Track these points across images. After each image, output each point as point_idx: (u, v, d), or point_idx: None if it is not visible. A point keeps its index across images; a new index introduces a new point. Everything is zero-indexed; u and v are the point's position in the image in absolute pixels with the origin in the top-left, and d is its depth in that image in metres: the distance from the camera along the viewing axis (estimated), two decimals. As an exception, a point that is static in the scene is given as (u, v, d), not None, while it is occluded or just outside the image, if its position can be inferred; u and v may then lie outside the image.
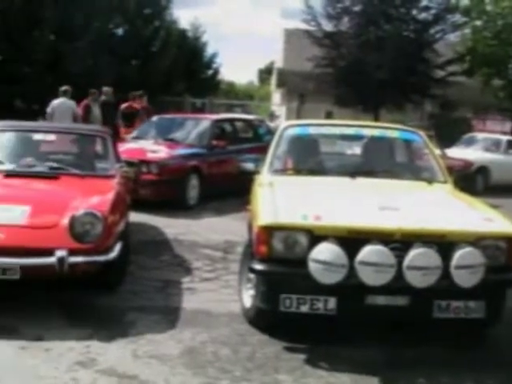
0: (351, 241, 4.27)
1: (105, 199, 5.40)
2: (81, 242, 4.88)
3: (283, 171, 5.96)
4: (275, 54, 40.82)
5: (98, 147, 6.94)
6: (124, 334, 4.61)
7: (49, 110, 12.84)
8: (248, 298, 4.98)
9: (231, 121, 13.18)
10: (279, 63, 37.44)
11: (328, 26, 25.40)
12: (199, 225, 8.97)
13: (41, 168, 6.24)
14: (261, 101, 41.54)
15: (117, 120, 13.47)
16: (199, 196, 10.39)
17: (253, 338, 4.68)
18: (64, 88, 12.96)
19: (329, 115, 26.58)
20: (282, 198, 4.89)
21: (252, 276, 4.80)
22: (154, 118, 12.73)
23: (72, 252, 4.76)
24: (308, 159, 6.38)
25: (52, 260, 4.70)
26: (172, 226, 8.51)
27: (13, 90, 25.42)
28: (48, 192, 5.78)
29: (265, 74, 57.77)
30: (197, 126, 11.59)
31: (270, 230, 4.39)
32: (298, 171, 5.95)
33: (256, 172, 6.21)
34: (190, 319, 5.01)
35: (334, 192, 5.26)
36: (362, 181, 5.54)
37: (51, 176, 6.05)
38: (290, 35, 33.40)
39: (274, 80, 40.47)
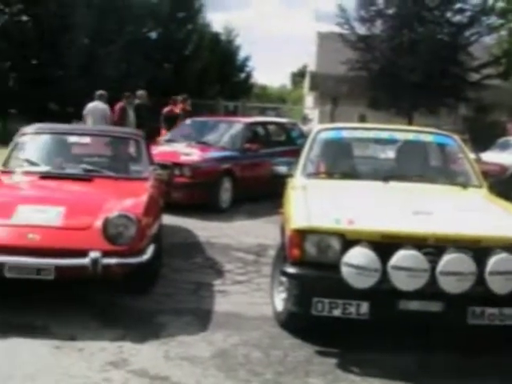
0: (384, 245, 4.23)
1: (138, 201, 5.43)
2: (114, 243, 4.91)
3: (316, 175, 5.94)
4: (308, 58, 40.76)
5: (132, 150, 6.97)
6: (156, 336, 4.64)
7: (84, 112, 13.04)
8: (280, 301, 4.97)
9: (264, 124, 13.15)
10: (312, 66, 37.37)
11: (361, 29, 25.34)
12: (232, 228, 8.98)
13: (75, 170, 6.31)
14: (293, 104, 41.50)
15: (157, 123, 13.62)
16: (232, 199, 10.39)
17: (284, 341, 4.66)
18: (99, 92, 13.16)
19: (362, 119, 26.37)
20: (314, 202, 4.88)
21: (284, 279, 4.78)
22: (188, 121, 12.79)
23: (105, 253, 4.79)
24: (341, 163, 6.36)
25: (86, 261, 4.74)
26: (204, 229, 8.54)
27: (47, 93, 25.76)
28: (82, 194, 5.86)
29: (297, 77, 57.70)
30: (230, 129, 11.59)
31: (302, 234, 4.37)
32: (331, 175, 5.93)
33: (289, 175, 6.19)
34: (221, 322, 5.01)
35: (367, 196, 5.21)
36: (395, 185, 5.50)
37: (85, 178, 6.11)
38: (324, 38, 33.30)
39: (306, 83, 40.39)
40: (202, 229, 8.53)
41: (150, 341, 4.53)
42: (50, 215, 5.07)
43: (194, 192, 9.57)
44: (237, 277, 6.37)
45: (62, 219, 5.05)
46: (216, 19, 43.49)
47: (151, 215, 5.44)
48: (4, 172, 6.27)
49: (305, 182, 5.61)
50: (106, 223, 4.95)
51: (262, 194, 10.71)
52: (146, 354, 4.32)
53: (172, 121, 13.68)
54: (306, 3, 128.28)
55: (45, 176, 6.09)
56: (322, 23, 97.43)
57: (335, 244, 4.34)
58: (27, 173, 6.20)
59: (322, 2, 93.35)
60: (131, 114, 13.09)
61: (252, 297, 5.73)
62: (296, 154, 10.03)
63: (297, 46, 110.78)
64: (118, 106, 13.19)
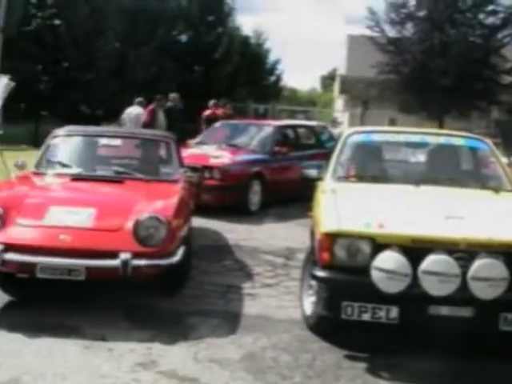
0: (415, 250, 4.20)
1: (169, 204, 5.43)
2: (144, 245, 4.94)
3: (346, 178, 5.89)
4: (338, 61, 40.67)
5: (163, 152, 6.99)
6: (185, 338, 4.66)
7: (123, 116, 13.36)
8: (309, 304, 4.95)
9: (294, 127, 13.12)
10: (342, 70, 37.30)
11: (392, 32, 25.23)
12: (261, 230, 8.98)
13: (106, 172, 6.35)
14: (323, 107, 41.45)
15: (186, 125, 13.72)
16: (261, 202, 10.39)
17: (313, 344, 4.65)
18: (138, 99, 13.69)
19: (392, 122, 26.27)
20: (344, 205, 4.84)
21: (313, 283, 4.76)
22: (218, 124, 12.84)
23: (136, 255, 4.82)
24: (371, 166, 6.30)
25: (116, 262, 4.77)
26: (234, 232, 8.56)
27: (78, 96, 26.05)
28: (113, 195, 5.87)
29: (327, 80, 57.61)
30: (260, 132, 11.60)
31: (332, 237, 4.35)
32: (361, 178, 5.87)
33: (319, 179, 6.14)
34: (250, 324, 5.01)
35: (398, 200, 5.17)
36: (426, 189, 5.43)
37: (116, 180, 6.14)
38: (354, 41, 33.21)
39: (336, 86, 40.33)
40: (231, 231, 8.56)
41: (179, 342, 4.55)
42: (82, 217, 5.12)
43: (224, 195, 9.60)
44: (266, 280, 6.36)
45: (93, 221, 5.09)
46: (246, 22, 43.59)
47: (181, 217, 5.44)
48: (36, 173, 6.32)
49: (334, 186, 5.56)
50: (137, 225, 4.98)
51: (291, 197, 10.71)
52: (175, 355, 4.34)
53: (213, 124, 13.80)
54: (337, 6, 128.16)
55: (76, 178, 6.13)
56: (353, 26, 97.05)
57: (365, 248, 4.31)
58: (59, 174, 6.23)
59: (352, 5, 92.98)
60: (161, 117, 13.18)
61: (281, 300, 5.71)
62: (325, 157, 10.02)
63: (327, 49, 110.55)
64: (148, 108, 13.31)
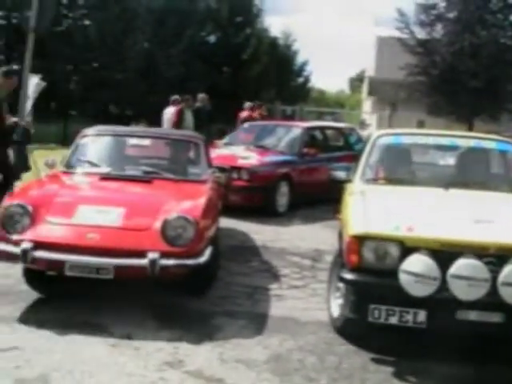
0: (444, 253, 4.16)
1: (197, 204, 5.43)
2: (173, 245, 4.93)
3: (375, 180, 5.83)
4: (367, 62, 40.50)
5: (191, 152, 7.01)
6: (212, 338, 4.67)
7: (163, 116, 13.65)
8: (336, 307, 4.93)
9: (322, 129, 13.09)
10: (371, 71, 37.15)
11: (421, 34, 25.04)
12: (288, 232, 8.97)
13: (135, 172, 6.35)
14: (351, 109, 41.29)
15: (212, 125, 13.80)
16: (288, 203, 10.38)
17: (340, 347, 4.63)
18: (173, 97, 13.91)
19: (420, 124, 26.11)
20: (373, 208, 4.81)
21: (341, 285, 4.74)
22: (246, 125, 12.85)
23: (164, 255, 4.81)
24: (400, 169, 6.23)
25: (144, 262, 4.76)
26: (261, 233, 8.56)
27: (107, 96, 26.28)
28: (142, 195, 5.87)
29: (356, 82, 57.43)
30: (288, 134, 11.59)
31: (361, 240, 4.32)
32: (390, 180, 5.79)
33: (347, 181, 6.09)
34: (277, 326, 5.00)
35: (427, 203, 5.10)
36: (455, 192, 5.38)
37: (145, 180, 6.15)
38: (382, 43, 33.07)
39: (365, 88, 40.20)
40: (259, 232, 8.56)
41: (206, 342, 4.56)
42: (110, 216, 5.13)
43: (252, 195, 9.61)
44: (293, 281, 6.35)
45: (122, 220, 5.10)
46: (274, 23, 43.63)
47: (209, 218, 5.44)
48: (65, 172, 6.35)
49: (363, 188, 5.51)
50: (165, 225, 4.98)
51: (319, 198, 10.69)
52: (202, 355, 4.35)
53: None
54: (365, 7, 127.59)
55: (105, 177, 6.14)
56: (381, 27, 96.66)
57: (394, 251, 4.28)
58: (88, 174, 6.26)
59: (381, 7, 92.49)
60: (189, 117, 13.24)
61: (308, 302, 5.70)
62: (354, 159, 9.97)
63: (355, 51, 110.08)
64: (176, 108, 13.38)
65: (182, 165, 6.87)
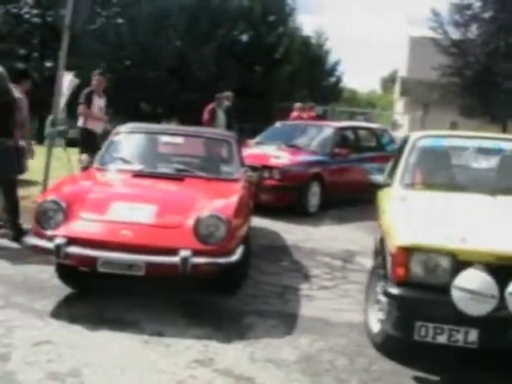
0: (501, 268, 3.88)
1: (229, 202, 5.43)
2: (204, 243, 4.93)
3: (415, 185, 5.56)
4: (399, 62, 40.20)
5: (224, 151, 6.98)
6: (242, 337, 4.66)
7: None
8: (375, 321, 4.66)
9: (354, 129, 13.02)
10: (403, 71, 36.90)
11: (455, 34, 24.80)
12: (319, 232, 8.94)
13: (167, 169, 6.35)
14: (383, 109, 41.03)
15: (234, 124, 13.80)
16: (319, 204, 10.34)
17: (370, 349, 4.58)
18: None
19: (453, 126, 25.84)
20: (419, 216, 4.54)
21: (382, 298, 4.45)
22: (278, 124, 12.83)
23: (195, 253, 4.81)
24: (442, 173, 5.91)
25: (176, 259, 4.76)
26: (292, 232, 8.54)
27: (139, 94, 26.45)
28: (174, 193, 5.88)
29: (388, 82, 57.07)
30: (320, 133, 11.54)
31: (408, 252, 4.04)
32: (431, 186, 5.50)
33: (386, 185, 5.85)
34: (307, 326, 4.98)
35: (476, 211, 4.81)
36: (504, 199, 5.04)
37: (177, 177, 6.15)
38: (415, 43, 32.84)
39: (397, 88, 39.92)
40: (290, 232, 8.54)
41: (236, 341, 4.56)
42: (143, 213, 5.15)
43: (283, 195, 9.60)
44: (323, 282, 6.32)
45: (154, 217, 5.12)
46: (306, 22, 43.40)
47: (241, 216, 5.43)
48: (98, 169, 6.39)
49: (404, 193, 5.26)
50: (197, 223, 4.98)
51: (351, 199, 10.65)
52: (232, 354, 4.34)
53: None
54: (399, 7, 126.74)
55: (137, 174, 6.17)
56: (414, 27, 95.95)
57: (445, 264, 4.00)
58: (121, 171, 6.30)
59: (414, 6, 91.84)
60: (221, 116, 13.25)
61: (338, 303, 5.67)
62: (386, 160, 9.89)
63: (388, 51, 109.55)
64: (208, 107, 13.39)
65: (214, 163, 6.88)
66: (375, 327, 4.65)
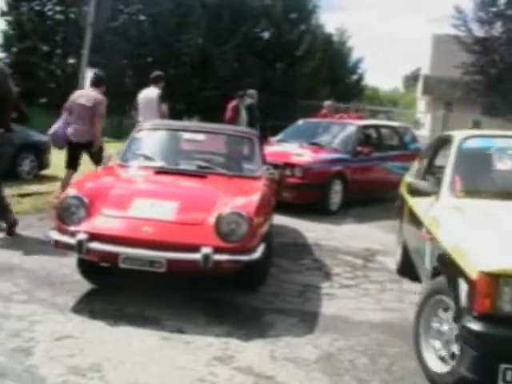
0: None
1: (251, 200, 5.40)
2: (226, 240, 4.92)
3: (469, 193, 4.82)
4: (422, 60, 39.88)
5: (246, 148, 6.96)
6: (262, 335, 4.65)
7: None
8: (435, 357, 4.00)
9: (377, 127, 12.91)
10: (426, 70, 36.58)
11: (479, 32, 24.51)
12: (341, 230, 8.92)
13: (189, 166, 6.33)
14: (405, 108, 40.80)
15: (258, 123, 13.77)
16: (341, 202, 10.31)
17: (392, 349, 4.56)
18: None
19: (476, 125, 25.62)
20: (494, 233, 3.89)
21: (444, 328, 3.92)
22: (300, 122, 12.79)
23: (217, 250, 4.81)
24: (497, 179, 5.19)
25: (197, 256, 4.76)
26: (313, 231, 8.53)
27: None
28: (196, 190, 5.86)
29: (410, 80, 56.66)
30: (342, 131, 11.49)
31: (496, 279, 3.39)
32: (486, 193, 4.84)
33: (432, 192, 5.12)
34: (327, 325, 4.96)
35: None
36: None
37: (199, 174, 6.13)
38: (438, 41, 32.53)
39: (419, 87, 39.59)
40: (311, 230, 8.53)
41: (257, 339, 4.55)
42: (165, 209, 5.15)
43: (304, 193, 9.58)
44: (344, 281, 6.30)
45: (176, 214, 5.12)
46: (328, 20, 43.31)
47: (263, 214, 5.40)
48: (120, 165, 6.40)
49: (457, 203, 4.66)
50: (219, 220, 4.97)
51: (373, 197, 10.64)
52: (252, 351, 4.34)
53: None
54: (422, 4, 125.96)
55: (159, 171, 6.16)
56: (438, 25, 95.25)
57: None
58: (142, 167, 6.28)
59: (438, 4, 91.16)
60: (243, 113, 13.23)
61: (359, 302, 5.64)
62: (408, 158, 9.83)
63: (410, 49, 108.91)
64: (231, 104, 13.34)
65: (236, 160, 6.84)
66: (436, 365, 3.96)
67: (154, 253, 4.83)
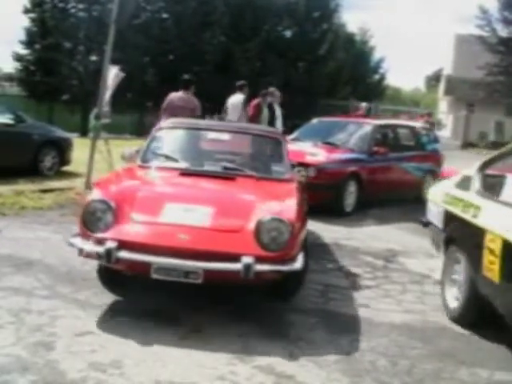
0: None
1: (290, 205, 5.06)
2: (267, 249, 4.59)
3: None
4: (444, 61, 39.66)
5: (273, 149, 6.56)
6: (283, 334, 4.64)
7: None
8: None
9: (393, 127, 12.61)
10: (448, 70, 36.41)
11: (504, 32, 24.34)
12: (360, 231, 8.88)
13: (215, 168, 5.94)
14: (427, 108, 40.56)
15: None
16: (356, 203, 10.14)
17: (412, 351, 4.52)
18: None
19: (499, 126, 25.45)
20: None
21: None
22: (314, 121, 12.62)
23: (258, 259, 4.48)
24: None
25: (238, 266, 4.43)
26: (331, 231, 8.52)
27: (182, 88, 26.58)
28: (229, 193, 5.49)
29: (432, 80, 56.37)
30: (357, 131, 11.27)
31: None
32: None
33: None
34: (348, 325, 4.95)
35: None
36: None
37: (228, 176, 5.75)
38: (461, 41, 32.38)
39: (441, 87, 39.39)
40: (329, 231, 8.51)
41: (277, 339, 4.54)
42: (200, 215, 4.81)
43: (318, 193, 9.35)
44: (365, 281, 6.27)
45: (212, 220, 4.77)
46: (351, 19, 43.18)
47: (301, 220, 5.07)
48: (142, 166, 6.00)
49: None
50: (259, 227, 4.65)
51: (389, 199, 10.50)
52: (272, 351, 4.32)
53: None
54: (446, 5, 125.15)
55: (185, 172, 5.78)
56: (461, 25, 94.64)
57: None
58: (166, 168, 5.90)
59: (462, 4, 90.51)
60: (265, 112, 13.20)
61: (380, 303, 5.60)
62: (425, 159, 9.72)
63: (433, 49, 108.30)
64: (254, 102, 13.28)
65: (264, 162, 6.45)
66: None
67: (191, 262, 4.48)
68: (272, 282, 4.83)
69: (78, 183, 10.31)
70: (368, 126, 11.43)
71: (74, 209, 8.37)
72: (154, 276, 4.53)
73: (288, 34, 31.78)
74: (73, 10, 27.95)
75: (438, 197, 6.06)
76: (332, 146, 10.66)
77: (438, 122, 23.88)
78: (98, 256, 4.58)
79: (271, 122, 12.50)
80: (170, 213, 4.82)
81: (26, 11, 27.33)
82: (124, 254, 4.51)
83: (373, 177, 10.45)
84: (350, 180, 10.03)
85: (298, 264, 4.68)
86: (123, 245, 4.53)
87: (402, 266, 6.97)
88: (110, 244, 4.51)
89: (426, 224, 6.45)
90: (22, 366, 3.81)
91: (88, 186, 9.92)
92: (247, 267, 4.42)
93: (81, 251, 4.74)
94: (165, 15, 29.07)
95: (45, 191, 9.63)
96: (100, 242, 4.58)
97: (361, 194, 10.18)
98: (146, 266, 4.51)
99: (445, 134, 25.79)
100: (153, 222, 4.79)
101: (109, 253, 4.48)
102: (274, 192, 5.45)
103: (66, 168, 12.15)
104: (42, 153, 11.53)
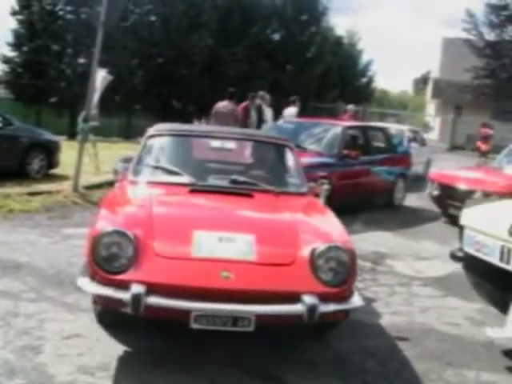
0: None
1: (337, 226, 4.41)
2: (328, 284, 3.86)
3: None
4: (432, 64, 39.85)
5: (284, 158, 5.80)
6: (271, 336, 4.54)
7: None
8: None
9: (364, 129, 11.80)
10: (436, 73, 36.54)
11: (490, 35, 24.54)
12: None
13: (223, 182, 5.10)
14: (414, 111, 40.72)
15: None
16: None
17: (401, 353, 4.54)
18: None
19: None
20: None
21: None
22: (280, 122, 12.30)
23: (321, 297, 3.75)
24: None
25: (300, 309, 3.69)
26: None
27: (170, 91, 26.58)
28: (261, 215, 4.72)
29: (420, 83, 56.62)
30: (327, 133, 10.53)
31: None
32: None
33: None
34: (338, 328, 4.93)
35: None
36: None
37: (245, 193, 4.92)
38: (449, 44, 32.50)
39: (429, 90, 39.55)
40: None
41: (265, 340, 4.46)
42: (241, 246, 3.97)
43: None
44: (353, 283, 6.26)
45: (257, 251, 3.94)
46: (339, 22, 43.23)
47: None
48: (132, 182, 5.11)
49: None
50: (315, 257, 3.90)
51: (360, 203, 10.20)
52: (261, 353, 4.31)
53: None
54: (432, 8, 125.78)
55: (195, 189, 4.87)
56: (448, 29, 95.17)
57: None
58: (169, 184, 5.00)
59: (448, 8, 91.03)
60: (254, 115, 13.22)
61: (368, 305, 5.57)
62: (396, 162, 9.52)
63: (421, 52, 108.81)
64: (242, 105, 13.27)
65: (277, 173, 5.67)
66: None
67: (239, 307, 3.67)
68: (334, 322, 4.27)
69: (66, 186, 10.26)
70: (337, 127, 10.70)
71: (64, 212, 8.39)
72: (194, 326, 3.67)
73: (276, 36, 31.81)
74: (61, 13, 27.79)
75: (497, 228, 4.60)
76: (299, 150, 9.32)
77: (425, 124, 24.01)
78: (121, 304, 3.67)
79: (259, 125, 12.53)
80: (202, 243, 3.95)
81: (14, 13, 27.17)
82: (155, 300, 3.62)
83: (343, 182, 9.64)
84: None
85: (358, 300, 4.04)
86: (152, 288, 3.65)
87: (390, 268, 6.99)
88: (137, 288, 3.61)
89: (462, 259, 5.24)
90: (9, 369, 3.79)
91: (76, 189, 9.90)
92: (312, 309, 3.68)
93: (97, 299, 4.04)
94: (153, 18, 29.02)
95: (32, 194, 9.58)
96: (121, 285, 3.69)
97: (331, 199, 9.73)
98: (185, 313, 3.65)
99: (432, 136, 25.89)
100: (184, 256, 3.88)
101: (137, 300, 3.58)
102: (304, 210, 4.79)
103: (53, 171, 12.10)
104: (29, 155, 11.47)
